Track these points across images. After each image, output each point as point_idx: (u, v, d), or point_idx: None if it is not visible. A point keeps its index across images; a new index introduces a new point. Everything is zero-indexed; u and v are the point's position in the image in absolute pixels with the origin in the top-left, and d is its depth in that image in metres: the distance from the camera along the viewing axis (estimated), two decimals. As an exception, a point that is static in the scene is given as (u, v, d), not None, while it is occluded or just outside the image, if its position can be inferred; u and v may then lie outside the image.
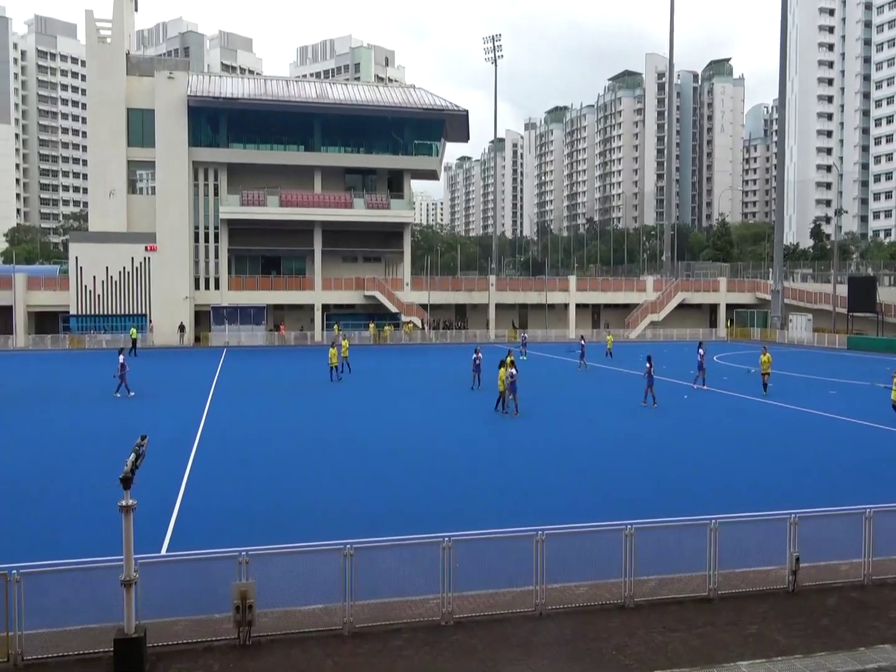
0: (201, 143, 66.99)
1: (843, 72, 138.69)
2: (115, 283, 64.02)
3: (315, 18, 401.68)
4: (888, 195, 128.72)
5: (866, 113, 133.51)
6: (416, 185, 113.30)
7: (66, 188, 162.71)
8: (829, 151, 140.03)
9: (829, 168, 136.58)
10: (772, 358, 33.04)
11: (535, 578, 10.50)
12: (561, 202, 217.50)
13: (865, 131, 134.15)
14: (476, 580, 10.56)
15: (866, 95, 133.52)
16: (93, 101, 66.43)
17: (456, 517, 14.78)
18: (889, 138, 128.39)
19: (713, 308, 79.26)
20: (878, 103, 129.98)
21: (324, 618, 10.03)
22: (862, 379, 37.51)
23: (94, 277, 63.38)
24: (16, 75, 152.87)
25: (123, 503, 8.97)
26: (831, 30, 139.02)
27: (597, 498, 16.46)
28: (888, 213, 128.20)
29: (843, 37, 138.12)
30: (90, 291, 63.46)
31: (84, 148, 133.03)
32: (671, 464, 19.77)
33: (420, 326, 69.98)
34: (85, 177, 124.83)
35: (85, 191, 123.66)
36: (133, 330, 56.67)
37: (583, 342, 45.64)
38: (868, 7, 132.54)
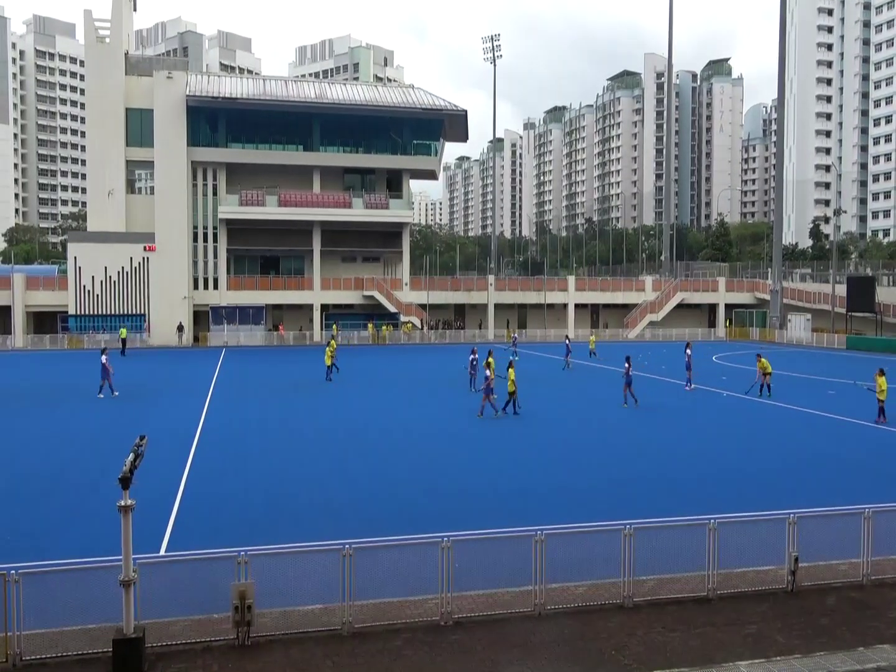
0: (200, 142, 66.97)
1: (841, 72, 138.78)
2: (114, 283, 63.99)
3: (314, 18, 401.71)
4: (887, 195, 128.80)
5: (865, 113, 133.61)
6: (415, 185, 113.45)
7: (64, 188, 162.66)
8: (827, 151, 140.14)
9: (827, 168, 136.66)
10: (767, 361, 32.77)
11: (535, 578, 10.50)
12: (560, 202, 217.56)
13: (864, 131, 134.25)
14: (475, 580, 10.56)
15: (865, 95, 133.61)
16: (91, 100, 66.43)
17: (455, 517, 14.78)
18: (888, 138, 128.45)
19: (712, 308, 79.29)
20: (877, 103, 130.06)
21: (323, 618, 10.03)
22: (861, 379, 37.49)
23: (93, 277, 63.36)
24: (14, 75, 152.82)
25: (122, 503, 8.97)
26: (830, 30, 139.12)
27: (596, 497, 16.46)
28: (887, 213, 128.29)
29: (842, 37, 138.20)
30: (89, 291, 63.43)
31: (83, 148, 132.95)
32: (669, 463, 19.76)
33: (419, 326, 69.99)
34: (84, 177, 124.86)
35: (84, 191, 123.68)
36: (123, 330, 56.65)
37: (567, 342, 46.02)
38: (867, 7, 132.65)
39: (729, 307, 78.11)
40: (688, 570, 11.13)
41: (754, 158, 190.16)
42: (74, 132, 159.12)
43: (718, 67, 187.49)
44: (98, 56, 65.19)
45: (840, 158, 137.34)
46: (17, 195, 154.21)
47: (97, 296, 63.60)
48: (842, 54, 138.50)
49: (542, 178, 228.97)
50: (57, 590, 9.55)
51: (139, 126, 65.63)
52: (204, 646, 9.52)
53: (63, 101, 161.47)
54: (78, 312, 63.39)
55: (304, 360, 49.44)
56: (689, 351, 34.99)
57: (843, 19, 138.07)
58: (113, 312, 63.78)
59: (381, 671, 9.00)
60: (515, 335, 58.60)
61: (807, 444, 22.58)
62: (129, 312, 64.18)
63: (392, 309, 69.27)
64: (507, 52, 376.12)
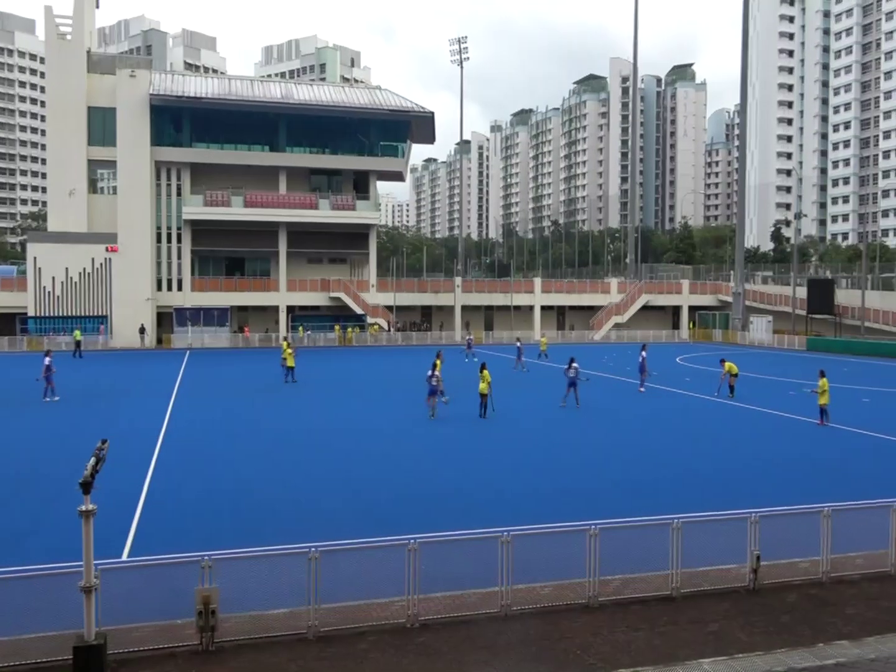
0: (164, 142, 66.21)
1: (802, 78, 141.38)
2: (75, 284, 62.98)
3: (280, 18, 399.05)
4: (845, 199, 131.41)
5: (825, 118, 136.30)
6: (382, 187, 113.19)
7: (23, 187, 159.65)
8: (789, 156, 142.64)
9: (789, 172, 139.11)
10: (733, 363, 33.22)
11: (501, 579, 10.53)
12: (526, 204, 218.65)
13: (824, 136, 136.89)
14: (442, 582, 10.57)
15: (825, 101, 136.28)
16: (52, 98, 65.26)
17: (421, 519, 14.77)
18: (846, 143, 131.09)
19: (676, 310, 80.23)
20: (836, 109, 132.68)
21: (289, 622, 9.96)
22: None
23: (53, 278, 62.29)
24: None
25: (83, 508, 8.83)
26: (791, 36, 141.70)
27: (561, 498, 16.54)
28: (845, 217, 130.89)
29: (803, 44, 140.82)
30: (49, 293, 62.35)
31: (43, 146, 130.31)
32: (633, 463, 19.95)
33: (386, 328, 69.86)
34: (43, 176, 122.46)
35: (43, 190, 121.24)
36: (77, 332, 55.70)
37: (519, 344, 46.47)
38: (826, 15, 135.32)
39: (692, 309, 79.09)
40: (652, 569, 11.24)
41: (717, 162, 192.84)
42: (34, 130, 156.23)
43: (682, 72, 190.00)
44: (59, 53, 64.10)
45: (801, 163, 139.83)
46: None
47: (57, 297, 62.54)
48: (802, 61, 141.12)
49: (508, 180, 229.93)
50: (16, 597, 9.37)
51: (101, 125, 64.67)
52: (167, 652, 9.40)
53: (22, 99, 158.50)
54: (38, 314, 62.26)
55: (269, 362, 49.03)
56: (644, 353, 34.90)
57: (803, 27, 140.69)
58: (74, 314, 62.73)
59: (347, 674, 8.97)
60: (470, 337, 58.78)
61: (768, 443, 22.92)
62: (91, 314, 63.19)
63: (358, 310, 69.05)
64: (475, 54, 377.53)
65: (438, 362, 29.39)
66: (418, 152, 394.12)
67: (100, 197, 66.62)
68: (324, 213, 68.78)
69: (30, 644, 9.20)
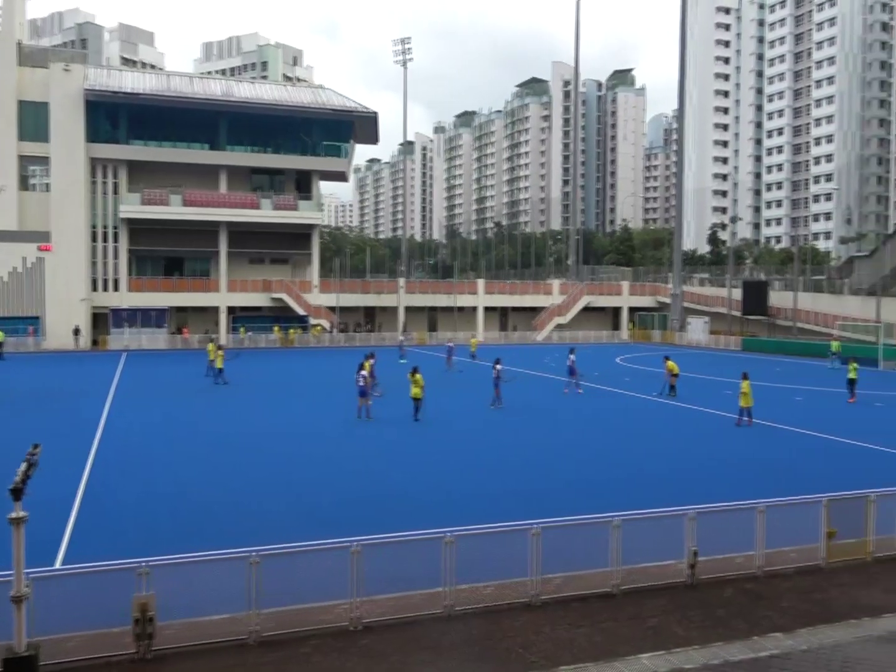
0: (100, 138, 64.50)
1: (738, 85, 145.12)
2: (5, 283, 60.98)
3: (221, 14, 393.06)
4: (778, 204, 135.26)
5: (759, 125, 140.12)
6: (325, 187, 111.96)
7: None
8: (725, 161, 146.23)
9: (724, 177, 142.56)
10: (675, 363, 33.95)
11: (444, 580, 10.55)
12: (470, 206, 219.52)
13: (758, 142, 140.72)
14: (386, 584, 10.54)
15: (759, 108, 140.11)
16: (-19, 92, 63.09)
17: (364, 522, 14.69)
18: (780, 149, 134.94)
19: (616, 311, 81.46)
20: (770, 115, 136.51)
21: (229, 627, 9.82)
22: (756, 379, 39.12)
23: (-18, 277, 60.26)
24: None
25: (13, 515, 8.56)
26: (727, 44, 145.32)
27: (504, 498, 16.64)
28: (778, 221, 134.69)
29: (739, 52, 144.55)
30: (-22, 292, 60.26)
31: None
32: (575, 462, 20.19)
33: (328, 329, 69.36)
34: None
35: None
36: (0, 333, 53.86)
37: (450, 344, 46.73)
38: (761, 24, 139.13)
39: (632, 310, 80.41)
40: (593, 566, 11.39)
41: (656, 166, 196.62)
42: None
43: (623, 77, 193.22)
44: (-12, 45, 61.97)
45: (736, 168, 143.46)
46: None
47: (-13, 297, 60.47)
48: (738, 68, 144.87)
49: (452, 181, 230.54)
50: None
51: (33, 120, 62.67)
52: (103, 661, 9.18)
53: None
54: (-34, 314, 60.11)
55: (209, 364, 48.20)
56: (572, 356, 34.73)
57: (739, 35, 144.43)
58: (4, 314, 60.67)
59: (289, 679, 8.88)
60: (402, 338, 58.92)
61: (705, 441, 23.45)
62: (22, 315, 61.21)
63: (301, 311, 68.39)
64: (420, 55, 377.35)
65: (367, 363, 29.37)
66: (362, 152, 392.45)
67: (31, 194, 64.58)
68: (265, 213, 67.95)
69: (-43, 657, 8.87)
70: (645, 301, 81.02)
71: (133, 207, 64.69)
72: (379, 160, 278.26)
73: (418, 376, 26.47)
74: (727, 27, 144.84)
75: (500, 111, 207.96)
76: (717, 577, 11.86)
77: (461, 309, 75.61)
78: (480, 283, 78.50)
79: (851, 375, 32.00)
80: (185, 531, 14.20)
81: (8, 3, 62.51)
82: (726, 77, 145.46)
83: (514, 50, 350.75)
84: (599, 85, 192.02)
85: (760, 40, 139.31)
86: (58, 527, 14.18)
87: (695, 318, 73.44)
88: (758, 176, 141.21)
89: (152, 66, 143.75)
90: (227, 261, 68.27)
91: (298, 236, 71.07)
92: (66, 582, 10.13)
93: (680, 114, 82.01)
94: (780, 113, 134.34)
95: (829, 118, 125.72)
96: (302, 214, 69.31)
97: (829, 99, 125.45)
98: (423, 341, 69.78)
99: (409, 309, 74.22)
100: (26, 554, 8.74)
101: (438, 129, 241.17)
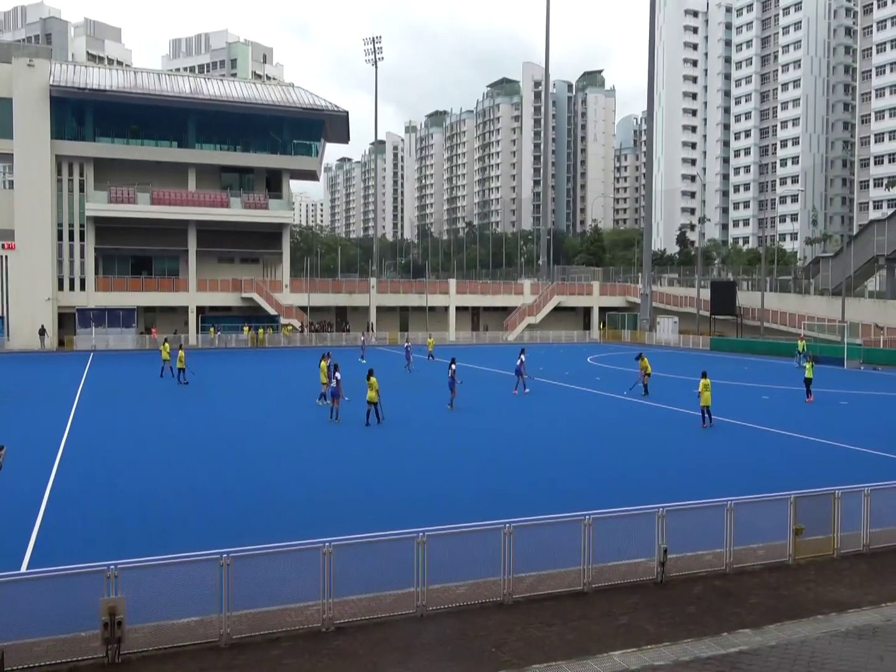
0: (65, 135, 63.62)
1: (706, 87, 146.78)
2: (-31, 282, 59.94)
3: (189, 11, 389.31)
4: (746, 205, 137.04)
5: (727, 126, 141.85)
6: (296, 186, 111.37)
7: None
8: (693, 162, 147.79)
9: (693, 178, 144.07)
10: (648, 362, 34.24)
11: (417, 580, 10.53)
12: (441, 205, 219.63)
13: (726, 144, 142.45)
14: (357, 584, 10.50)
15: (727, 110, 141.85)
16: (-58, 87, 61.86)
17: (334, 522, 14.63)
18: (747, 151, 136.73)
19: (587, 311, 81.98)
20: (738, 118, 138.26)
21: (199, 630, 9.72)
22: (724, 378, 39.63)
23: (-56, 276, 59.15)
24: None
25: (-22, 518, 8.41)
26: (695, 47, 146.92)
27: (475, 498, 16.67)
28: (746, 222, 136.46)
29: (706, 54, 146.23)
30: (-60, 292, 59.13)
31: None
32: (546, 461, 20.27)
33: (299, 329, 69.00)
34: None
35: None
36: None
37: (408, 345, 46.76)
38: (728, 27, 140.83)
39: (602, 310, 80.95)
40: (565, 565, 11.44)
41: (626, 167, 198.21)
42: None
43: (593, 79, 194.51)
44: (-50, 40, 60.83)
45: (704, 169, 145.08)
46: None
47: (-51, 296, 59.36)
48: (706, 71, 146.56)
49: (423, 181, 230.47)
50: None
51: (-4, 116, 61.68)
52: (70, 666, 9.03)
53: None
54: (-73, 314, 58.96)
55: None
56: (522, 357, 34.25)
57: (706, 38, 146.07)
58: (-33, 314, 59.67)
59: (261, 682, 8.81)
60: (363, 338, 58.88)
61: (674, 440, 23.67)
62: (-14, 314, 60.20)
63: (272, 311, 67.96)
64: (391, 54, 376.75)
65: (324, 363, 29.24)
66: (332, 151, 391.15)
67: (-5, 191, 63.55)
68: (235, 212, 67.42)
69: (-81, 664, 8.69)
70: (615, 301, 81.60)
71: (99, 206, 63.84)
72: (350, 159, 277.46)
73: (373, 379, 25.27)
74: (695, 30, 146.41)
75: (471, 111, 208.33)
76: (686, 574, 11.98)
77: (433, 309, 75.62)
78: (452, 283, 78.55)
79: (808, 374, 32.25)
80: (154, 533, 14.03)
81: (-30, -4, 61.36)
82: (694, 79, 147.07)
83: (484, 50, 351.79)
84: (570, 86, 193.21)
85: (728, 43, 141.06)
86: (24, 530, 13.94)
87: (664, 317, 74.13)
88: (725, 177, 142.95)
89: (119, 63, 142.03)
90: (196, 260, 67.63)
91: (269, 235, 70.62)
92: (32, 586, 9.94)
93: (649, 115, 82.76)
94: (748, 115, 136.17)
95: (795, 121, 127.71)
96: (272, 213, 68.89)
97: (795, 102, 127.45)
98: (394, 341, 69.65)
99: (380, 309, 74.08)
100: (-9, 558, 8.58)
101: (410, 129, 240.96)
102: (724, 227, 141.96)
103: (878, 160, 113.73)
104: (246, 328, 67.05)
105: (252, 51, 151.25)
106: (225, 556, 9.80)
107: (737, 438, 23.89)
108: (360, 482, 18.06)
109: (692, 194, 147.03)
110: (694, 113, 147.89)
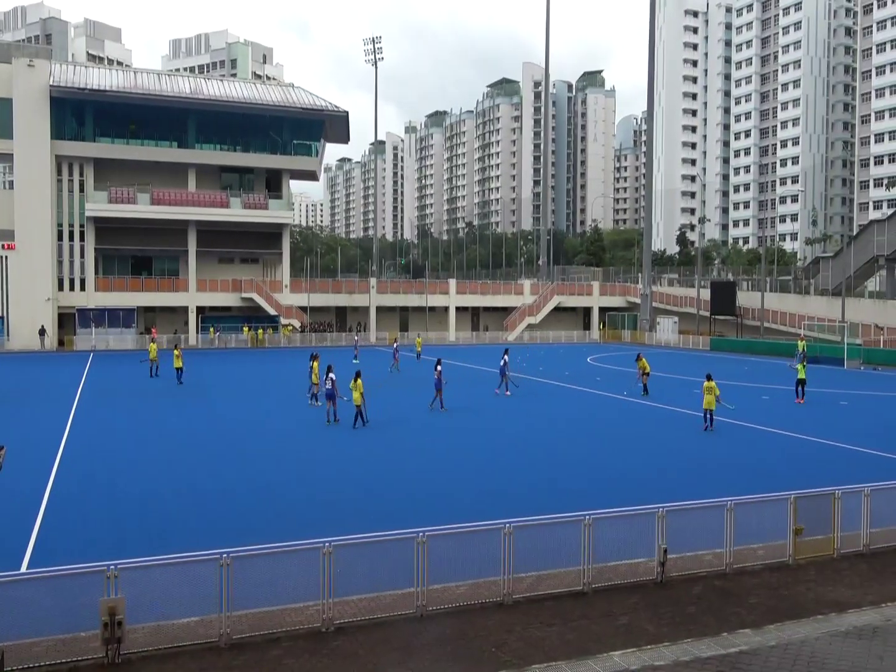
0: (65, 135, 63.61)
1: (706, 87, 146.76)
2: (-31, 283, 59.94)
3: (189, 11, 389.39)
4: (746, 205, 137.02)
5: (727, 127, 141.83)
6: (295, 186, 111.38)
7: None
8: (693, 162, 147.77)
9: (693, 178, 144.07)
10: (647, 362, 34.27)
11: (417, 580, 10.53)
12: (441, 206, 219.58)
13: (726, 144, 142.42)
14: (358, 584, 10.50)
15: (727, 110, 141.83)
16: (-58, 87, 61.85)
17: (334, 522, 14.63)
18: (746, 151, 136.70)
19: (587, 311, 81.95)
20: (738, 118, 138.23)
21: (199, 630, 9.72)
22: (724, 379, 39.59)
23: (-56, 277, 59.14)
24: None
25: (-22, 518, 8.41)
26: (695, 47, 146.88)
27: (475, 498, 16.66)
28: (746, 222, 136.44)
29: (706, 54, 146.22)
30: (-60, 292, 59.12)
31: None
32: (546, 461, 20.26)
33: (299, 329, 68.99)
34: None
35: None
36: None
37: (395, 345, 46.80)
38: (728, 27, 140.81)
39: (602, 310, 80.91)
40: (565, 565, 11.43)
41: (626, 167, 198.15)
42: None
43: (593, 79, 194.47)
44: (-50, 40, 60.83)
45: (704, 169, 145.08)
46: None
47: (-51, 296, 59.36)
48: (706, 71, 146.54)
49: (423, 181, 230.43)
50: None
51: (-4, 116, 61.69)
52: (70, 666, 9.03)
53: None
54: (-73, 314, 58.95)
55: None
56: (506, 357, 34.01)
57: (707, 38, 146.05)
58: (-33, 314, 59.67)
59: (261, 682, 8.81)
60: (357, 338, 58.84)
61: (674, 440, 23.66)
62: (-14, 314, 60.20)
63: (271, 311, 67.95)
64: (391, 54, 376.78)
65: (315, 364, 29.17)
66: (332, 152, 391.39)
67: (-5, 191, 63.57)
68: (235, 212, 67.41)
69: (-81, 664, 8.69)
70: (615, 301, 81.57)
71: (99, 206, 63.84)
72: (350, 159, 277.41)
73: (359, 381, 24.88)
74: (695, 30, 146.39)
75: (471, 111, 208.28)
76: (686, 574, 11.97)
77: (433, 309, 75.60)
78: (452, 283, 78.52)
79: (800, 375, 31.99)
80: (154, 533, 14.03)
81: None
82: (694, 79, 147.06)
83: (484, 50, 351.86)
84: (570, 86, 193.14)
85: (728, 43, 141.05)
86: (24, 530, 13.94)
87: (664, 318, 74.11)
88: (725, 177, 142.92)
89: (119, 63, 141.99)
90: (196, 260, 67.63)
91: (269, 235, 70.62)
92: (32, 586, 9.94)
93: (649, 115, 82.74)
94: (748, 115, 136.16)
95: (795, 121, 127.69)
96: (272, 213, 68.88)
97: (795, 102, 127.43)
98: (391, 342, 69.53)
99: (380, 309, 74.05)
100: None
101: (409, 129, 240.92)
102: (724, 227, 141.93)
103: (878, 160, 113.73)
104: (246, 328, 67.04)
105: (252, 51, 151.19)
106: (225, 556, 9.80)
107: (737, 438, 23.89)
108: (360, 482, 18.06)
109: (692, 194, 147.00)
110: (694, 113, 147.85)
